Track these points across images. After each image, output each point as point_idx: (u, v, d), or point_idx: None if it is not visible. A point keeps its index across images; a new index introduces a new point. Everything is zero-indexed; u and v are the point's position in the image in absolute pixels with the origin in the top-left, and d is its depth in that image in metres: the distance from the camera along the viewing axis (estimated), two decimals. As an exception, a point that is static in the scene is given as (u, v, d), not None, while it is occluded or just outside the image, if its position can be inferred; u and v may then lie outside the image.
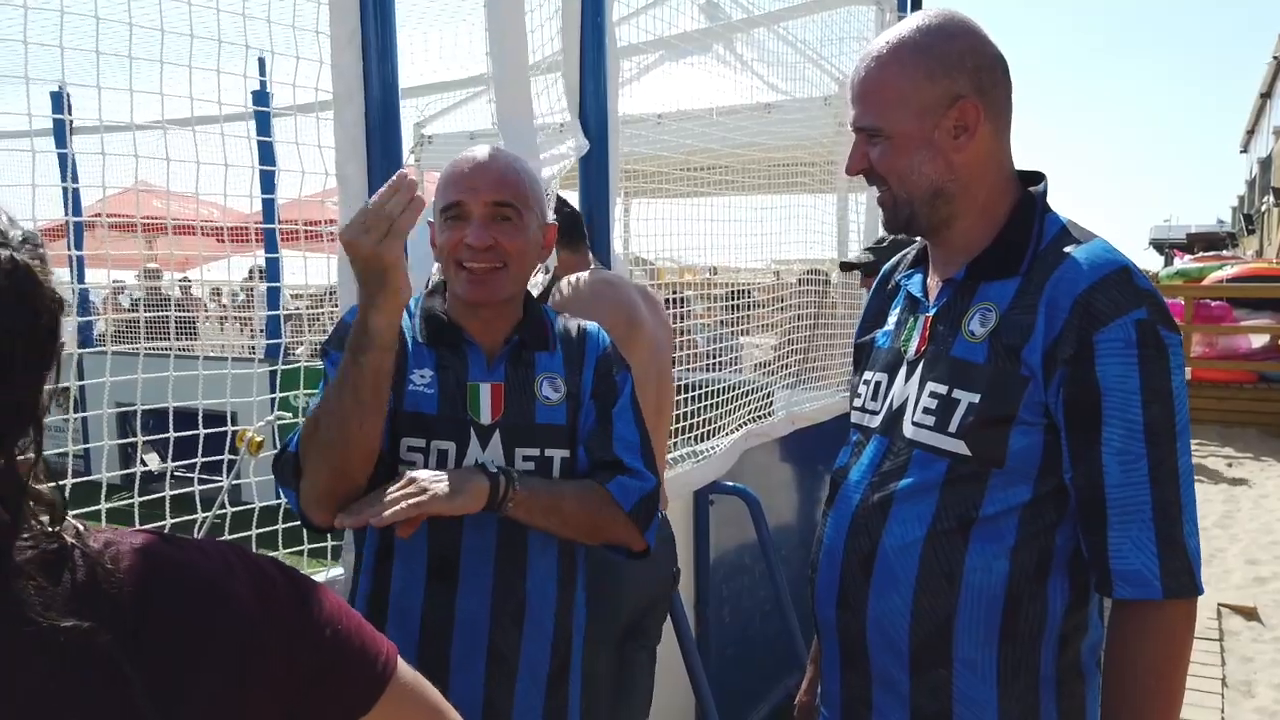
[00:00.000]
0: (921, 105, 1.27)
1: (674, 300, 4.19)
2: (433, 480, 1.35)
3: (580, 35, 2.47)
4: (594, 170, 2.53)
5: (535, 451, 1.51)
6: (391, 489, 1.34)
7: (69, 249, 1.99)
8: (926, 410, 1.30)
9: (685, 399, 3.34)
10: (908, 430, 1.32)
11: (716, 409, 3.58)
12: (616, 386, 1.60)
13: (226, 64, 1.78)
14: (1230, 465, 8.84)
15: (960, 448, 1.25)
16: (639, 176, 4.07)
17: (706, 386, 3.53)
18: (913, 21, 1.30)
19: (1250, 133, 26.84)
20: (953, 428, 1.26)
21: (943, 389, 1.28)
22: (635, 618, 2.24)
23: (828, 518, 1.41)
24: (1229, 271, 11.74)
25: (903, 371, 1.37)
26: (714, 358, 4.21)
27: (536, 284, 2.19)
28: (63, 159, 4.68)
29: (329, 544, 2.02)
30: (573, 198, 2.56)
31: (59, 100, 5.63)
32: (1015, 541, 1.24)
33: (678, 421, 3.33)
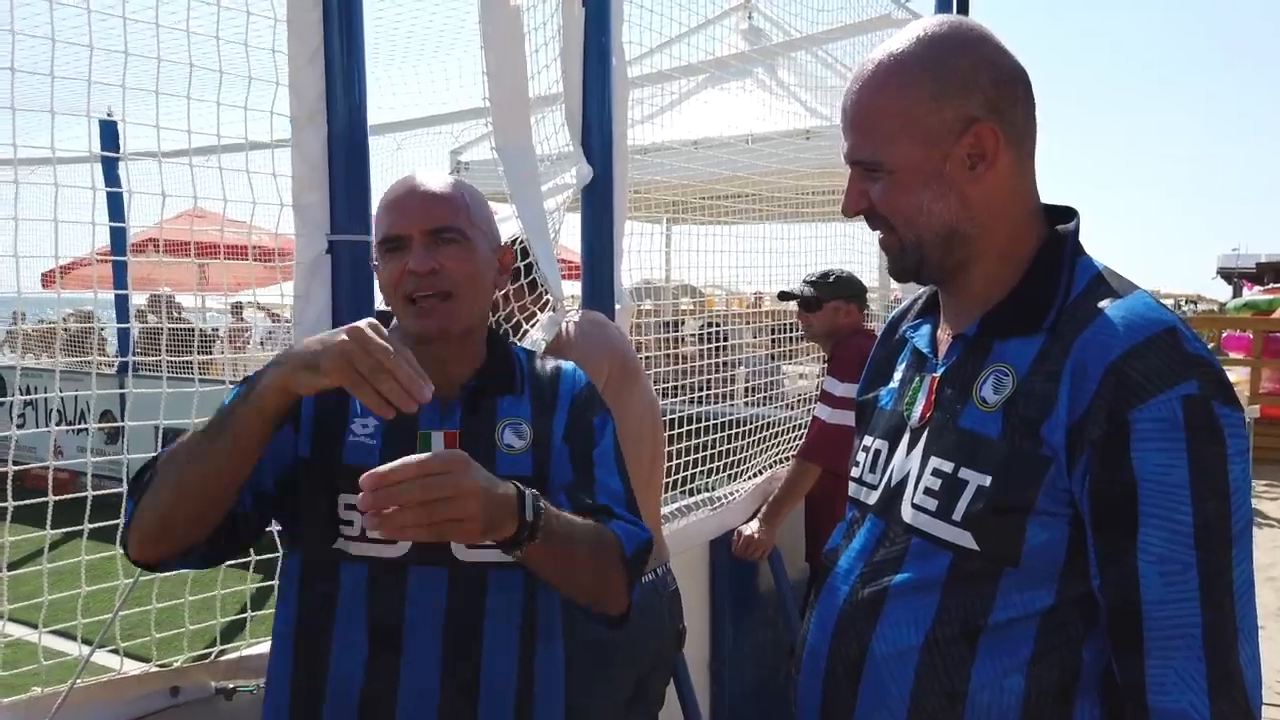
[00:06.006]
0: (928, 132, 1.07)
1: (712, 334, 4.02)
2: (459, 489, 1.06)
3: (584, 57, 2.32)
4: (598, 199, 2.37)
5: None
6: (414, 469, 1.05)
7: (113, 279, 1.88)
8: (928, 491, 1.09)
9: (707, 440, 3.15)
10: (906, 513, 1.11)
11: (743, 450, 3.39)
12: (594, 431, 1.44)
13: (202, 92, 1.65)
14: (1304, 510, 8.34)
15: (966, 540, 1.04)
16: (682, 207, 3.95)
17: (734, 428, 3.33)
18: (913, 31, 1.10)
19: (1324, 159, 25.80)
20: (957, 515, 1.05)
21: (948, 466, 1.08)
22: (638, 682, 2.05)
23: (813, 609, 1.21)
24: (1301, 304, 11.21)
25: (905, 441, 1.16)
26: (758, 392, 4.02)
27: (542, 327, 2.01)
28: (110, 183, 4.83)
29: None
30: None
31: (107, 128, 5.63)
32: (1033, 654, 1.03)
33: (700, 463, 3.14)
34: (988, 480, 1.03)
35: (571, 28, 2.30)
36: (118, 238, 5.33)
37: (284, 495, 1.34)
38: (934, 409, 1.13)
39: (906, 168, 1.09)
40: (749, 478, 3.42)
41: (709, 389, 3.60)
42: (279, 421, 1.19)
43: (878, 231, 1.15)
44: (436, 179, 1.37)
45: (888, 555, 1.12)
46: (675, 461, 3.00)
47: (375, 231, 1.35)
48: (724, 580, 3.02)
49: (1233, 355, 11.12)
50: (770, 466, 3.54)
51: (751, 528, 2.99)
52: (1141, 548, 0.95)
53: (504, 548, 1.17)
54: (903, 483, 1.13)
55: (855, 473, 1.26)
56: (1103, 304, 1.03)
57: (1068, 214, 1.15)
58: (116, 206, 4.09)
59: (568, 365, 1.50)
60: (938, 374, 1.15)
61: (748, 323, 5.22)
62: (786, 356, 4.52)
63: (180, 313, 9.07)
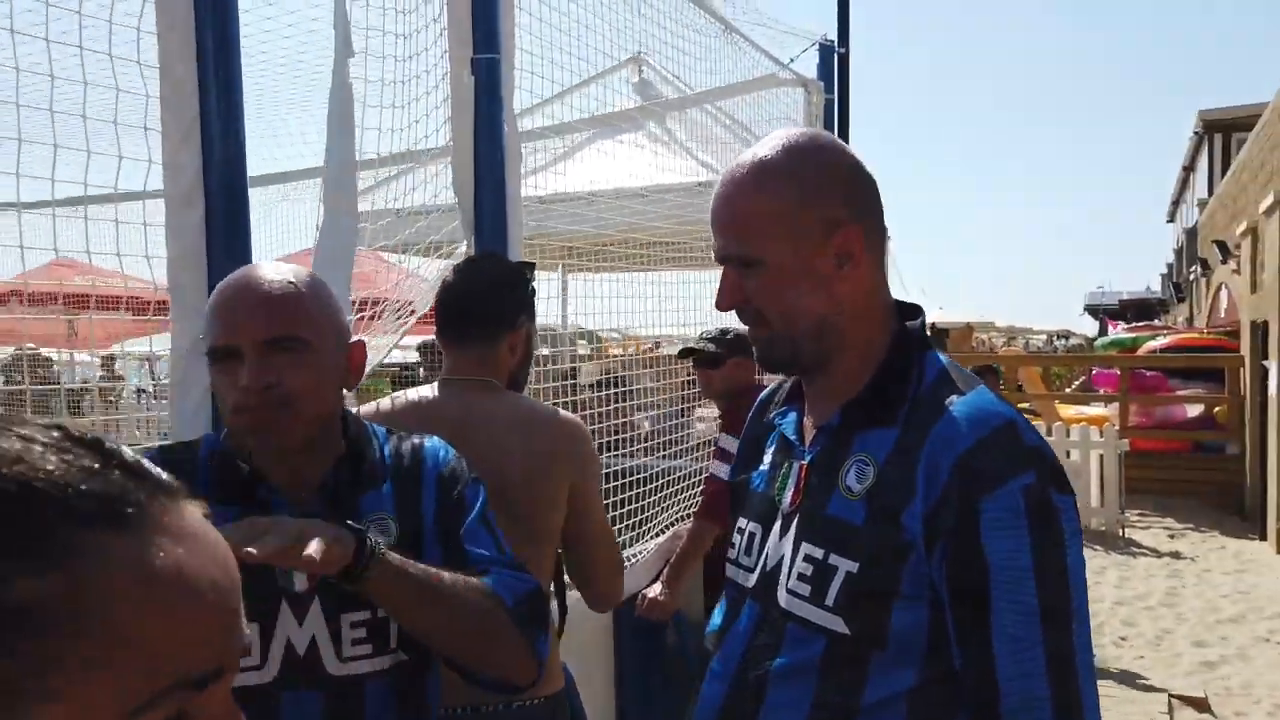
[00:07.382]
0: (800, 233, 1.13)
1: (612, 381, 3.99)
2: (292, 525, 1.07)
3: (474, 115, 2.30)
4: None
5: (365, 615, 1.26)
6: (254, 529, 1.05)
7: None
8: (801, 577, 1.13)
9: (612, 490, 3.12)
10: (782, 598, 1.15)
11: (650, 508, 3.35)
12: (465, 504, 1.35)
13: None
14: (1172, 537, 8.82)
15: (838, 624, 1.08)
16: (579, 253, 3.96)
17: (639, 486, 3.30)
18: (778, 141, 1.16)
19: (1175, 203, 27.75)
20: (829, 600, 1.09)
21: (819, 553, 1.12)
22: None
23: (699, 693, 1.22)
24: (1161, 341, 11.94)
25: (777, 525, 1.20)
26: (666, 445, 3.96)
27: None
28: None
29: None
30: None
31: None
32: None
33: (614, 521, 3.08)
34: (855, 567, 1.08)
35: (461, 94, 2.28)
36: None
37: None
38: (803, 496, 1.18)
39: (782, 265, 1.14)
40: (654, 535, 3.39)
41: (607, 435, 3.53)
42: None
43: (748, 325, 1.19)
44: (275, 280, 1.24)
45: (767, 640, 1.16)
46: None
47: (206, 334, 1.23)
48: (628, 646, 2.98)
49: (1103, 391, 11.77)
50: (674, 524, 3.52)
51: (655, 590, 2.96)
52: (994, 627, 1.02)
53: (346, 580, 1.12)
54: (777, 567, 1.17)
55: (732, 554, 1.29)
56: (950, 400, 1.10)
57: (914, 311, 1.22)
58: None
59: (430, 443, 1.40)
60: (805, 461, 1.19)
61: (649, 367, 5.19)
62: (699, 401, 4.50)
63: (47, 370, 8.55)
